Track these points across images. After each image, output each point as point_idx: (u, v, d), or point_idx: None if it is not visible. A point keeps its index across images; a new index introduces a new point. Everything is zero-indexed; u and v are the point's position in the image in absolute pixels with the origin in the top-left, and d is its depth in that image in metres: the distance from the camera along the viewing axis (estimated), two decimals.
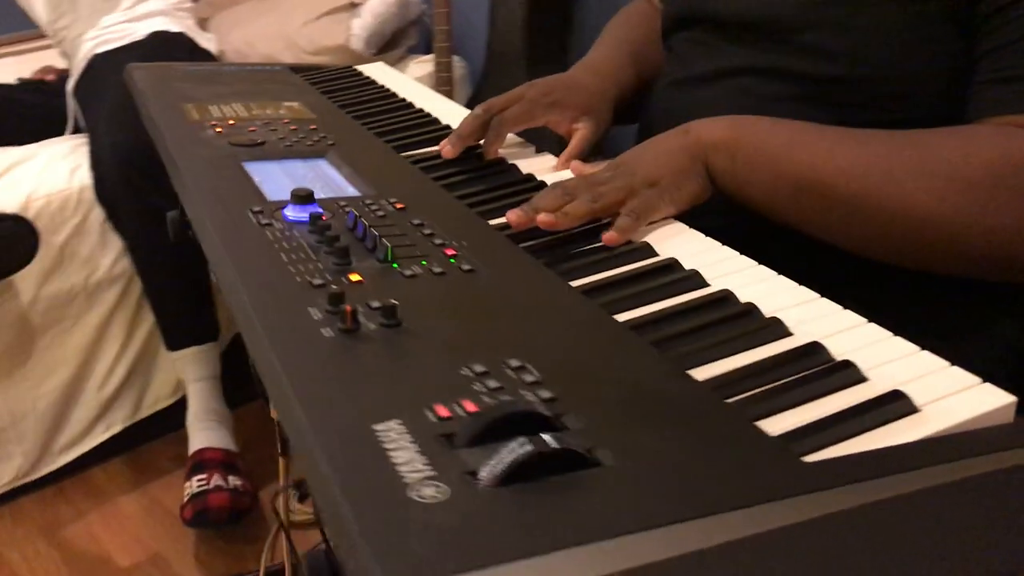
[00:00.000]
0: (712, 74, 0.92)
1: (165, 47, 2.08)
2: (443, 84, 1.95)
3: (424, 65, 2.23)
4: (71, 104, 2.04)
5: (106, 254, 1.75)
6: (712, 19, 0.93)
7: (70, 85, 2.06)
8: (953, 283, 0.76)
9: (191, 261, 1.72)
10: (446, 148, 0.94)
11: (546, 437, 0.42)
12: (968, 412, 0.48)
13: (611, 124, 1.04)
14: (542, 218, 0.73)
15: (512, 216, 0.74)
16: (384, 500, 0.39)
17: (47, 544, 1.60)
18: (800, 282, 0.63)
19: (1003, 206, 0.67)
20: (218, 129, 0.99)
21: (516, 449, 0.41)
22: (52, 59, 2.38)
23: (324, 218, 0.73)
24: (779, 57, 0.84)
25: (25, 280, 1.64)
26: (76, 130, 2.04)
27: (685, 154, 0.78)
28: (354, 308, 0.54)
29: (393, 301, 0.55)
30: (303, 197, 0.74)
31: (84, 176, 1.76)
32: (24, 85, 2.18)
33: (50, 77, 2.26)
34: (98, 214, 1.75)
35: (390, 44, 2.29)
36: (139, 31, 2.14)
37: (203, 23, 2.46)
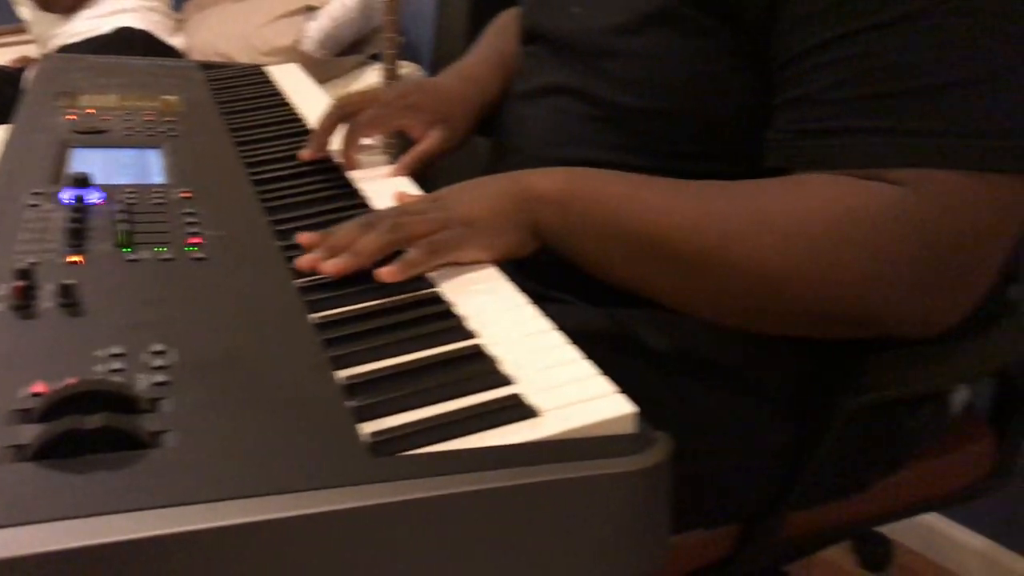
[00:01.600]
0: (538, 91, 0.92)
1: (123, 43, 2.12)
2: None
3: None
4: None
5: None
6: (544, 37, 0.93)
7: (29, 74, 2.10)
8: None
9: None
10: (304, 152, 0.93)
11: (93, 417, 0.42)
12: (585, 419, 0.48)
13: (472, 132, 1.03)
14: (327, 268, 0.66)
15: (301, 261, 0.68)
16: None
17: None
18: None
19: (845, 261, 0.64)
20: (71, 116, 1.00)
21: (55, 426, 0.41)
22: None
23: (100, 202, 0.74)
24: (589, 80, 0.83)
25: None
26: None
27: (511, 201, 0.72)
28: (28, 286, 0.55)
29: (70, 282, 0.56)
30: (79, 181, 0.75)
31: None
32: None
33: (19, 65, 2.32)
34: None
35: (352, 49, 2.32)
36: (104, 27, 2.19)
37: (182, 23, 2.51)
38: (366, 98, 0.97)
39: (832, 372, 0.77)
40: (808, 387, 0.80)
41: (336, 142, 0.95)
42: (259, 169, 0.90)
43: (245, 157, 0.94)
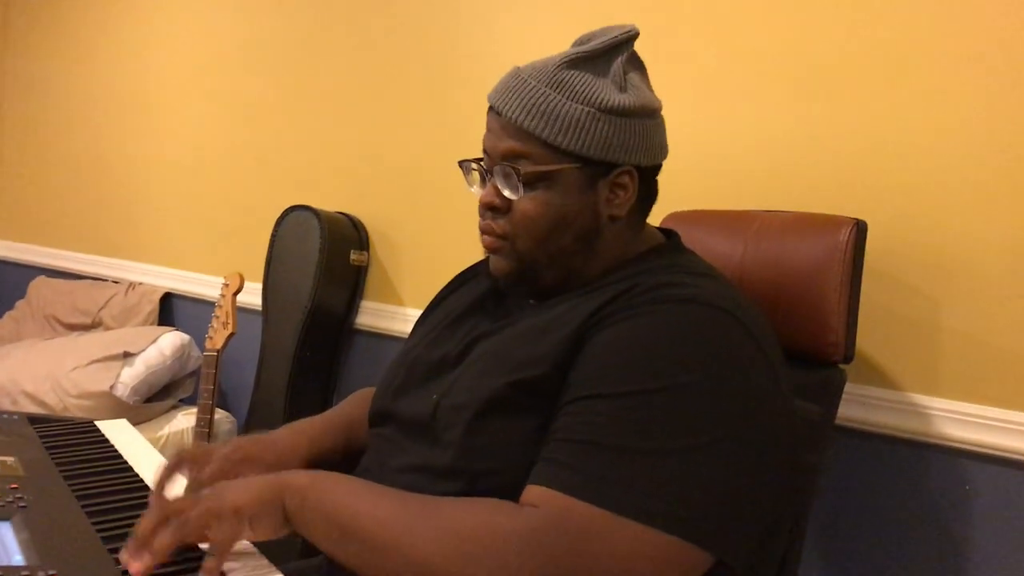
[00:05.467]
0: (395, 469, 1.04)
1: None
2: (202, 437, 2.01)
3: (192, 416, 2.30)
4: None
5: None
6: (398, 420, 1.08)
7: None
8: None
9: None
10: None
11: None
12: None
13: None
14: (134, 569, 0.83)
15: (123, 556, 0.85)
16: None
17: None
18: None
19: (479, 563, 0.80)
20: None
21: None
22: None
23: None
24: (434, 453, 0.98)
25: None
26: None
27: (269, 490, 0.89)
28: None
29: None
30: None
31: None
32: None
33: None
34: None
35: (163, 393, 2.36)
36: None
37: None
38: (200, 452, 1.07)
39: None
40: None
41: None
42: (117, 545, 0.93)
43: (100, 530, 0.97)
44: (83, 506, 1.03)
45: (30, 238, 3.49)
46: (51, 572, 0.82)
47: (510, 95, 1.01)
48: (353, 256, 2.16)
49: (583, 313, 0.95)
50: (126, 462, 1.25)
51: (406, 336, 2.04)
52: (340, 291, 2.15)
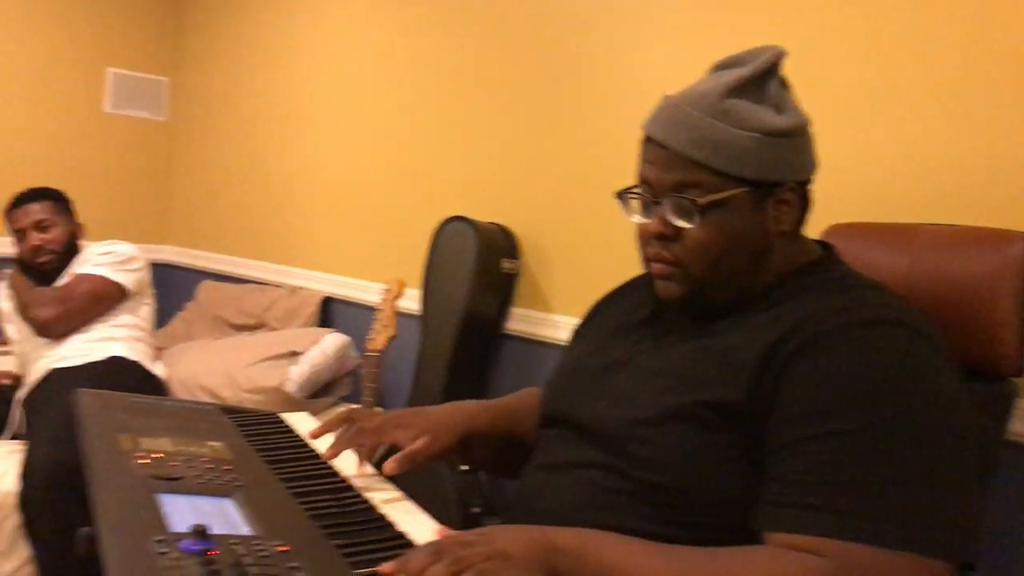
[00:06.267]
0: (566, 464, 1.11)
1: (119, 372, 2.26)
2: None
3: None
4: (16, 411, 2.17)
5: (9, 560, 1.80)
6: (568, 422, 1.14)
7: (21, 393, 2.20)
8: None
9: None
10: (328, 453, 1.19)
11: None
12: None
13: (454, 448, 1.25)
14: None
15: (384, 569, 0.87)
16: None
17: None
18: None
19: None
20: (143, 460, 1.13)
21: None
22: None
23: (214, 553, 0.86)
24: (613, 458, 1.04)
25: None
26: (14, 436, 2.16)
27: (538, 548, 0.90)
28: None
29: None
30: (200, 533, 0.88)
31: (9, 483, 1.86)
32: None
33: (5, 381, 2.41)
34: (13, 520, 1.83)
35: (323, 391, 2.51)
36: (97, 353, 2.33)
37: (158, 351, 2.68)
38: (372, 414, 1.24)
39: None
40: None
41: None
42: (328, 522, 1.03)
43: (307, 510, 1.07)
44: (287, 488, 1.14)
45: (198, 244, 3.75)
46: (279, 545, 0.92)
47: (675, 128, 1.03)
48: (505, 264, 2.25)
49: (766, 339, 0.97)
50: (313, 450, 1.36)
51: (554, 341, 2.14)
52: (492, 297, 2.25)
